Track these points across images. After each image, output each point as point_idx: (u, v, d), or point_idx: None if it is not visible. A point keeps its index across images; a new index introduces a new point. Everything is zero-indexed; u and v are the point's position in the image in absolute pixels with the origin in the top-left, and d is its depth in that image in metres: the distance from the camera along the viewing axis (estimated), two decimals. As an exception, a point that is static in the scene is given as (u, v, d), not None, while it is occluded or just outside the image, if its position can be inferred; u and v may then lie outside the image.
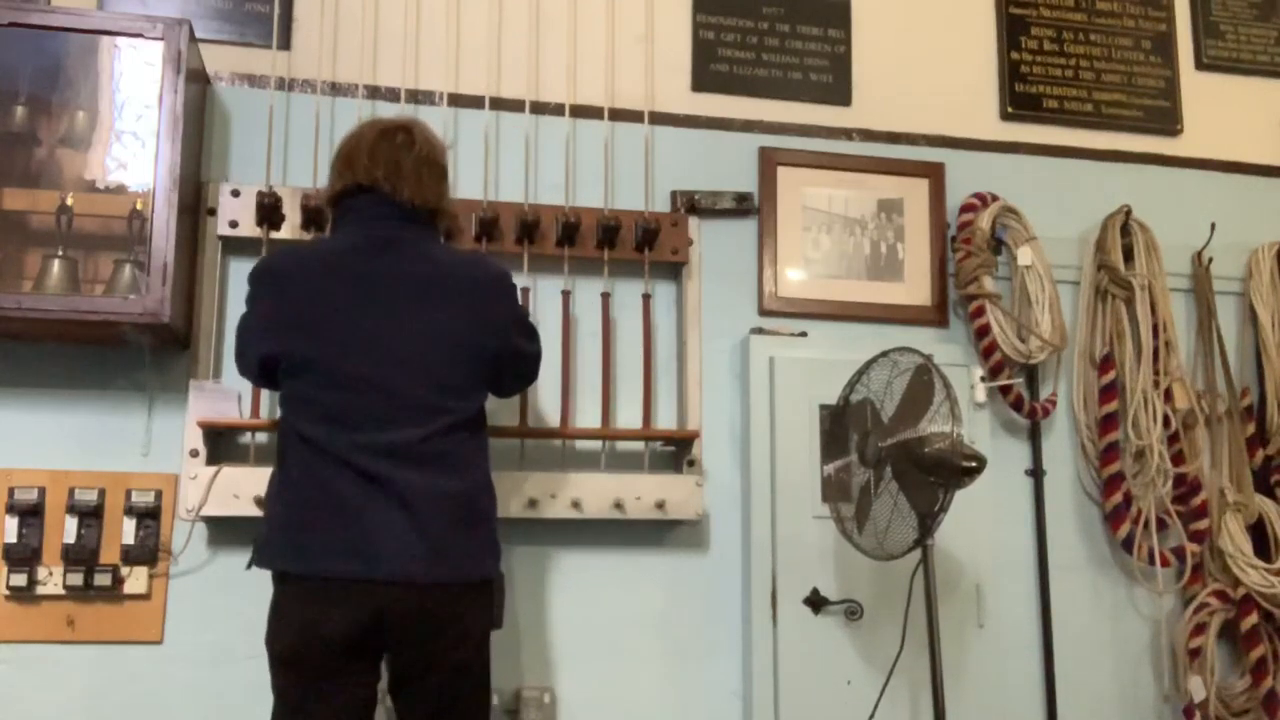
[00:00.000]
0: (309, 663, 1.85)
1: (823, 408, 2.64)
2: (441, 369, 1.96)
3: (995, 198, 2.92)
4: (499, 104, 2.77)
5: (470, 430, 2.01)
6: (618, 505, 2.54)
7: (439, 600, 1.88)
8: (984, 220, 2.87)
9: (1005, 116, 3.11)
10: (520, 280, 2.19)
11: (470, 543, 1.95)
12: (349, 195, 2.04)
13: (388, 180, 2.01)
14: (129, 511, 2.42)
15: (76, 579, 2.37)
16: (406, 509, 1.86)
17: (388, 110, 2.69)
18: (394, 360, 1.93)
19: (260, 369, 2.02)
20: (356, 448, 1.88)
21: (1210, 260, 3.05)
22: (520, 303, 2.20)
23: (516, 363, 2.15)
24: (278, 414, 2.02)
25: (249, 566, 1.97)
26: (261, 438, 2.50)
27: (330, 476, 1.88)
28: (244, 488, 2.37)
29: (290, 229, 2.54)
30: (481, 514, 1.99)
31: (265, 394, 2.49)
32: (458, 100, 2.75)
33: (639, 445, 2.67)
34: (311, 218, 2.52)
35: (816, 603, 2.62)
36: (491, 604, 2.02)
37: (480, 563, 1.97)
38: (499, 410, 2.42)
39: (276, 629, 1.90)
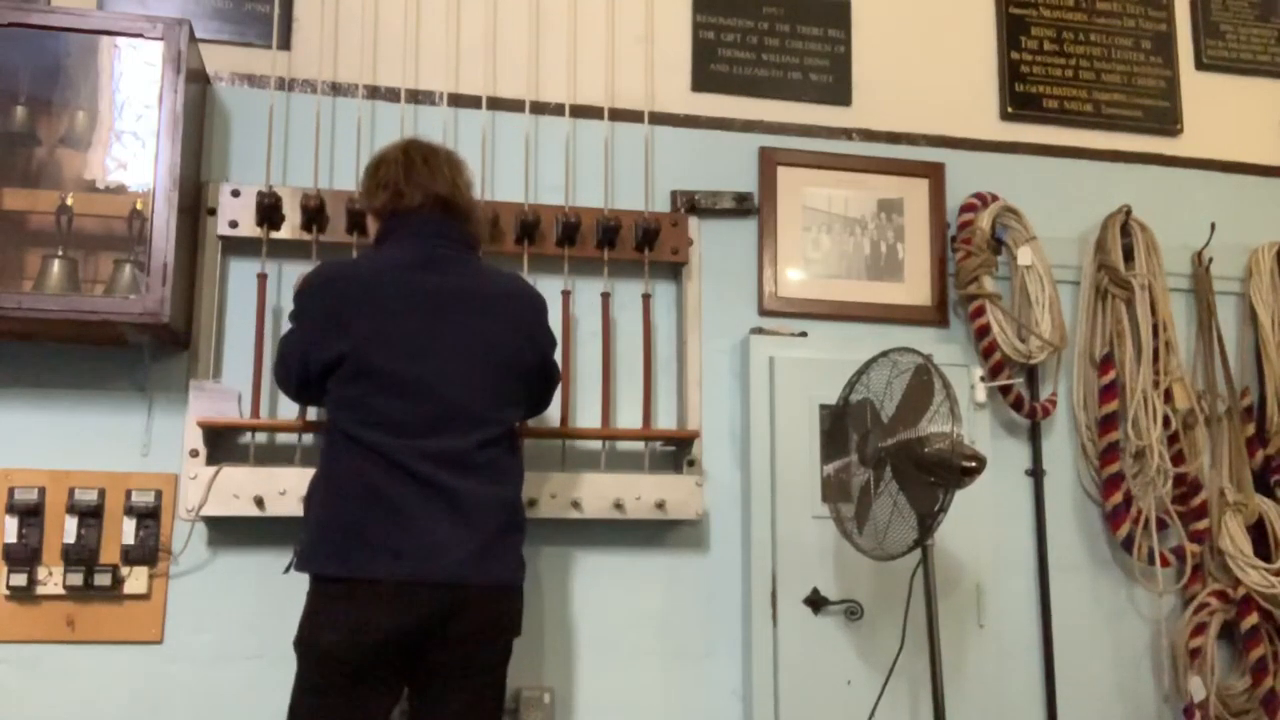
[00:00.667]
0: (353, 663, 1.87)
1: (823, 408, 2.64)
2: (491, 381, 2.04)
3: (995, 198, 2.92)
4: (499, 104, 2.77)
5: (511, 442, 2.10)
6: (618, 505, 2.54)
7: (483, 602, 1.94)
8: (984, 220, 2.87)
9: (1005, 116, 3.11)
10: (537, 289, 2.24)
11: (512, 549, 2.03)
12: (405, 211, 2.09)
13: (443, 200, 2.09)
14: (129, 511, 2.42)
15: (76, 579, 2.37)
16: (458, 512, 1.92)
17: (388, 110, 2.70)
18: (448, 370, 2.00)
19: (320, 375, 2.02)
20: (410, 452, 1.93)
21: (1210, 260, 3.05)
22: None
23: (545, 384, 2.26)
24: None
25: (287, 570, 1.99)
26: (261, 438, 2.50)
27: (382, 479, 1.92)
28: (244, 488, 2.37)
29: (290, 229, 2.54)
30: (520, 523, 2.07)
31: (265, 394, 2.49)
32: (457, 100, 2.75)
33: (639, 445, 2.67)
34: (311, 217, 2.52)
35: (816, 603, 2.62)
36: (521, 610, 2.07)
37: (519, 569, 2.05)
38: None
39: (317, 628, 1.91)
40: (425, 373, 1.98)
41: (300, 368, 2.07)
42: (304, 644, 1.92)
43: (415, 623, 1.88)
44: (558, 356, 2.31)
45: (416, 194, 2.08)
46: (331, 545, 1.92)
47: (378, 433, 1.94)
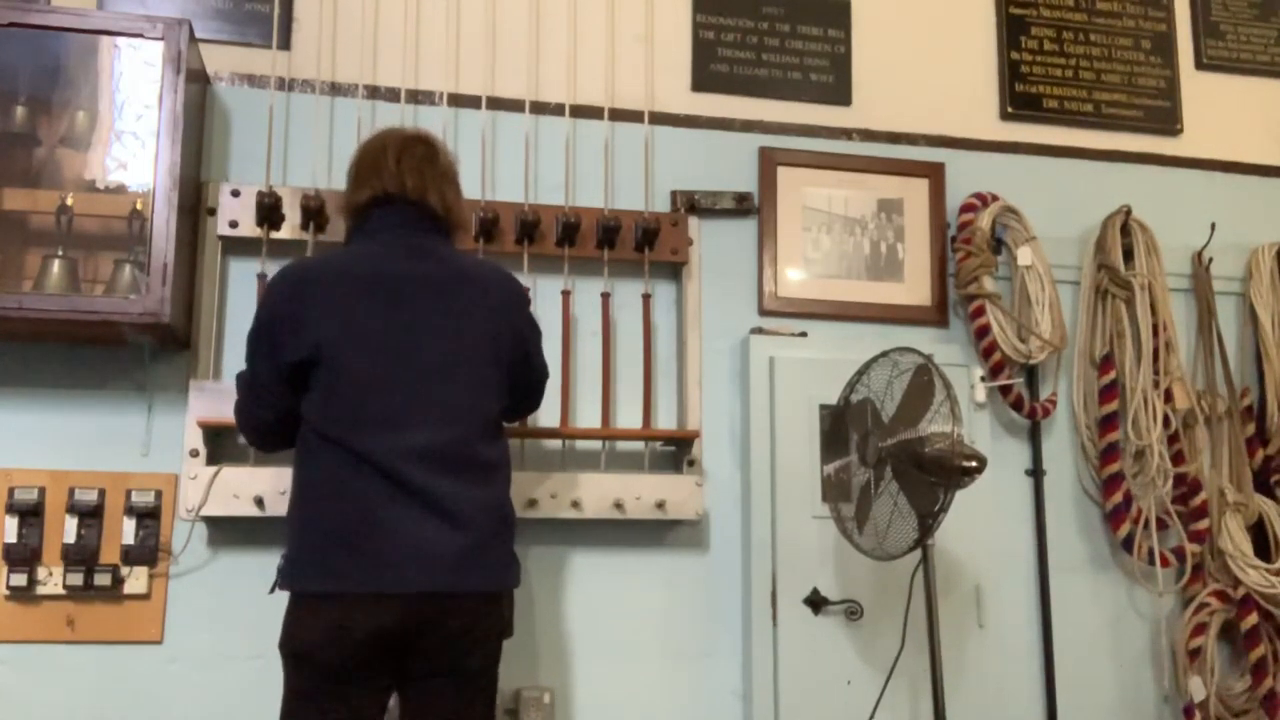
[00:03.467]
0: (334, 664, 1.83)
1: (823, 408, 2.64)
2: (467, 370, 1.96)
3: (995, 198, 2.92)
4: (498, 104, 2.77)
5: (494, 434, 2.01)
6: (618, 505, 2.54)
7: (468, 608, 1.88)
8: (984, 220, 2.87)
9: (1005, 116, 3.11)
10: (520, 280, 2.18)
11: (500, 552, 1.96)
12: (376, 204, 2.03)
13: (415, 190, 2.02)
14: (129, 511, 2.42)
15: (76, 579, 2.37)
16: (439, 515, 1.86)
17: (388, 110, 2.70)
18: (422, 361, 1.93)
19: (290, 375, 1.95)
20: (385, 451, 1.86)
21: (1210, 260, 3.05)
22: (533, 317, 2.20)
23: (529, 375, 2.15)
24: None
25: (272, 591, 1.92)
26: (261, 438, 2.50)
27: (355, 482, 1.86)
28: (244, 488, 2.38)
29: (290, 229, 2.54)
30: (508, 521, 1.99)
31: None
32: (457, 100, 2.75)
33: (639, 445, 2.67)
34: (311, 217, 2.52)
35: (816, 603, 2.62)
36: (501, 614, 1.99)
37: (504, 572, 1.98)
38: (499, 410, 2.42)
39: (296, 629, 1.87)
40: (397, 365, 1.91)
41: (274, 383, 1.97)
42: (286, 647, 1.88)
43: (395, 625, 1.83)
44: (555, 355, 2.29)
45: (388, 187, 2.02)
46: (310, 560, 1.87)
47: (350, 431, 1.87)
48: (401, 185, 2.02)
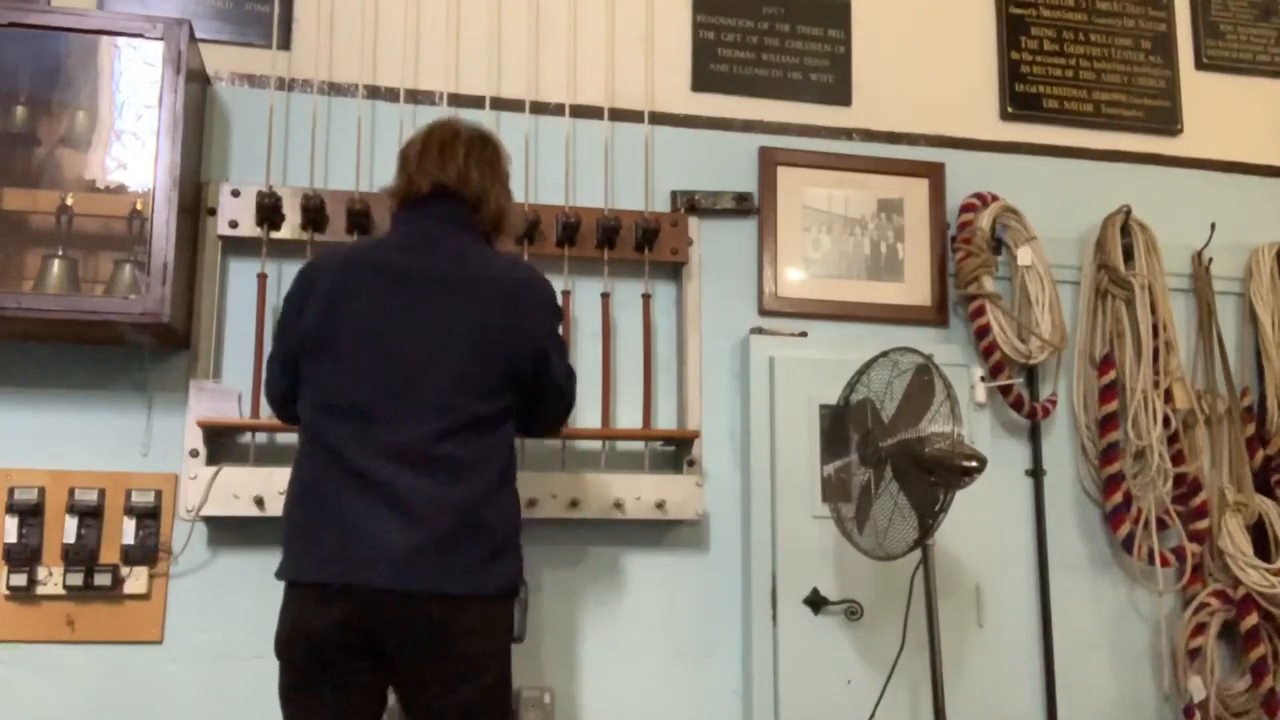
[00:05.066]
0: (299, 662, 1.84)
1: (823, 408, 2.64)
2: (461, 368, 1.89)
3: (995, 198, 2.92)
4: (499, 104, 2.77)
5: (486, 433, 1.90)
6: (618, 505, 2.54)
7: (428, 608, 1.80)
8: (984, 220, 2.87)
9: (1005, 116, 3.11)
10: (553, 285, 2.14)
11: (464, 556, 1.83)
12: (413, 195, 2.01)
13: (452, 184, 1.99)
14: (129, 511, 2.42)
15: (76, 579, 2.37)
16: (398, 511, 1.80)
17: (388, 110, 2.70)
18: (412, 355, 1.88)
19: (294, 363, 1.95)
20: (356, 444, 1.83)
21: (1210, 260, 3.05)
22: (560, 330, 2.10)
23: (540, 380, 2.00)
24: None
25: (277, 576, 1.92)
26: (261, 438, 2.50)
27: (323, 473, 1.85)
28: (244, 488, 2.38)
29: (290, 229, 2.54)
30: (477, 524, 1.85)
31: (265, 394, 2.49)
32: (457, 100, 2.75)
33: (639, 445, 2.67)
34: (311, 217, 2.52)
35: (816, 603, 2.62)
36: (501, 617, 1.91)
37: (470, 575, 1.83)
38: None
39: (277, 629, 1.89)
40: (377, 357, 1.87)
41: (279, 365, 1.99)
42: (274, 644, 1.89)
43: (345, 622, 1.79)
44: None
45: (425, 181, 1.99)
46: (285, 546, 1.88)
47: (332, 424, 1.85)
48: (440, 178, 1.99)
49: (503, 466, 1.93)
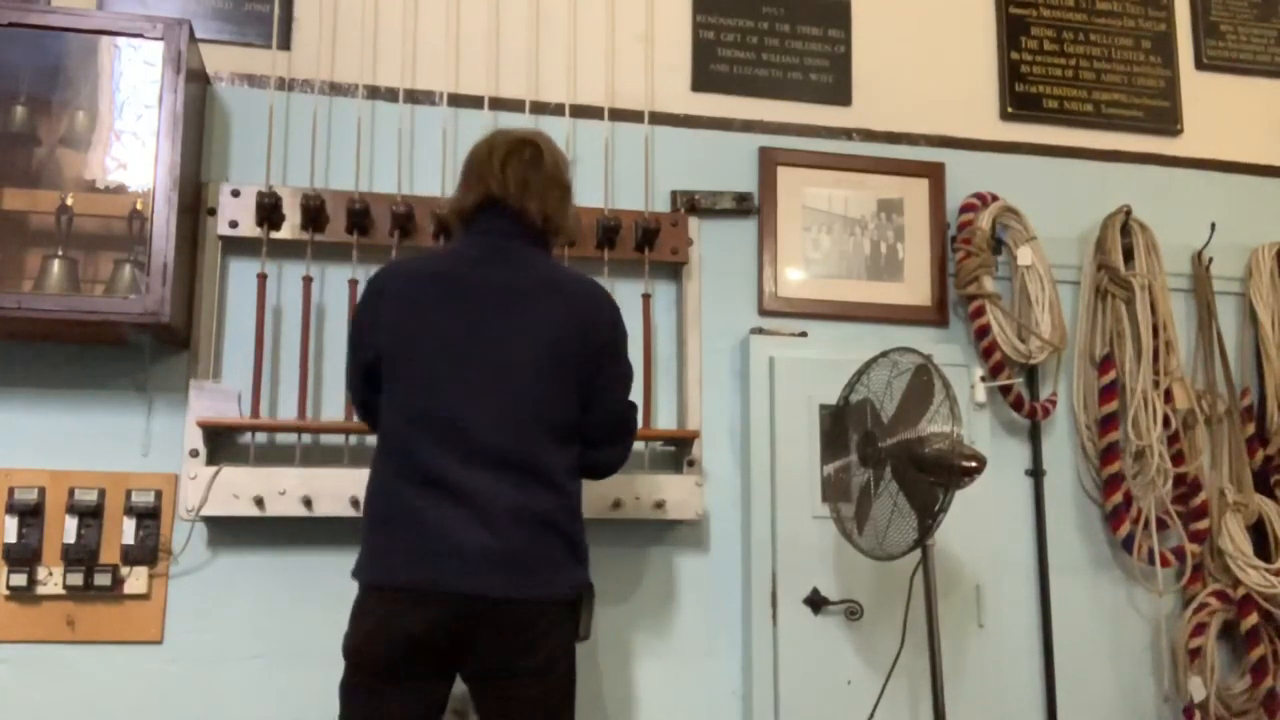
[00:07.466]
0: (380, 663, 1.86)
1: (823, 408, 2.64)
2: (531, 377, 1.94)
3: (995, 198, 2.92)
4: (499, 104, 2.77)
5: (562, 442, 1.96)
6: (617, 505, 2.54)
7: (506, 613, 1.86)
8: (984, 220, 2.87)
9: (1005, 116, 3.11)
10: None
11: (547, 560, 1.90)
12: (480, 208, 2.04)
13: (517, 196, 2.01)
14: (129, 511, 2.42)
15: (76, 579, 2.37)
16: (484, 521, 1.85)
17: (388, 110, 2.70)
18: (481, 366, 1.92)
19: (364, 377, 2.01)
20: (444, 455, 1.87)
21: (1210, 260, 3.05)
22: (625, 350, 2.12)
23: (600, 401, 2.03)
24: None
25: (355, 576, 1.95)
26: (261, 438, 2.50)
27: (408, 483, 1.88)
28: (244, 488, 2.37)
29: (290, 229, 2.54)
30: (558, 530, 1.93)
31: (265, 394, 2.50)
32: (457, 100, 2.75)
33: (639, 445, 2.67)
34: (311, 217, 2.52)
35: (816, 603, 2.62)
36: (571, 617, 1.96)
37: (551, 580, 1.91)
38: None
39: (353, 628, 1.90)
40: (453, 367, 1.91)
41: (353, 376, 2.06)
42: (344, 644, 1.91)
43: (434, 625, 1.83)
44: None
45: (491, 191, 2.02)
46: (365, 550, 1.92)
47: (410, 431, 1.90)
48: (505, 190, 2.02)
49: (576, 474, 2.01)
